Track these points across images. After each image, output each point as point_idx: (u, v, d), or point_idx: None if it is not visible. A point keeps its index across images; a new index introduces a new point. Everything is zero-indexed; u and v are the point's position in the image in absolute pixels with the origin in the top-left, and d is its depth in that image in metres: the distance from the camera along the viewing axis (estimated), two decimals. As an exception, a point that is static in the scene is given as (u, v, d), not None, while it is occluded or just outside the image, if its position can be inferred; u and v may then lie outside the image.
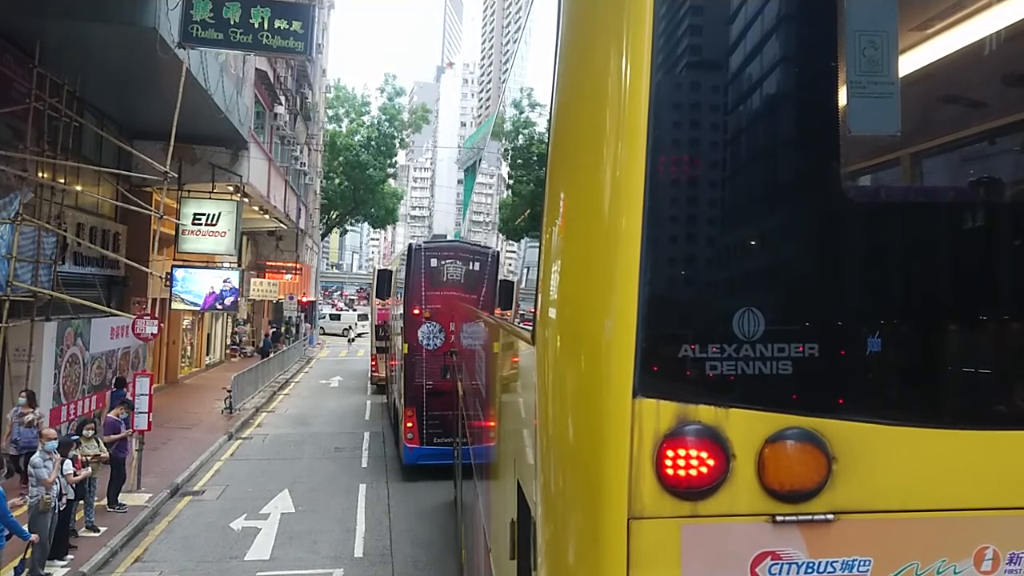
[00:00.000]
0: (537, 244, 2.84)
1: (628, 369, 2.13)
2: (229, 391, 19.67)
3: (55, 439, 9.03)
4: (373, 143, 48.42)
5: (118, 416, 11.46)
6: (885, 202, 2.44)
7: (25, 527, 8.42)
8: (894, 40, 2.27)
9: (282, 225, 30.30)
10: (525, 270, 3.95)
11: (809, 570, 2.16)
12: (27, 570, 8.35)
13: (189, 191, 19.39)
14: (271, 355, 29.22)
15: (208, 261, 20.88)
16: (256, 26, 12.49)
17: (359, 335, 45.28)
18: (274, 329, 35.76)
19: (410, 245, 14.74)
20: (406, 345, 13.57)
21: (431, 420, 13.14)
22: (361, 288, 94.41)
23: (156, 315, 14.53)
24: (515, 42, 19.09)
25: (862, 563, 2.17)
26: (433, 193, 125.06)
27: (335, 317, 55.75)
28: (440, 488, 12.33)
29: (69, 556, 9.19)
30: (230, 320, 31.68)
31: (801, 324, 2.23)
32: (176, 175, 16.43)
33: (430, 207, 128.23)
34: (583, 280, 2.32)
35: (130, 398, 12.35)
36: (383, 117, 49.43)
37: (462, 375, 8.69)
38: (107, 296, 17.43)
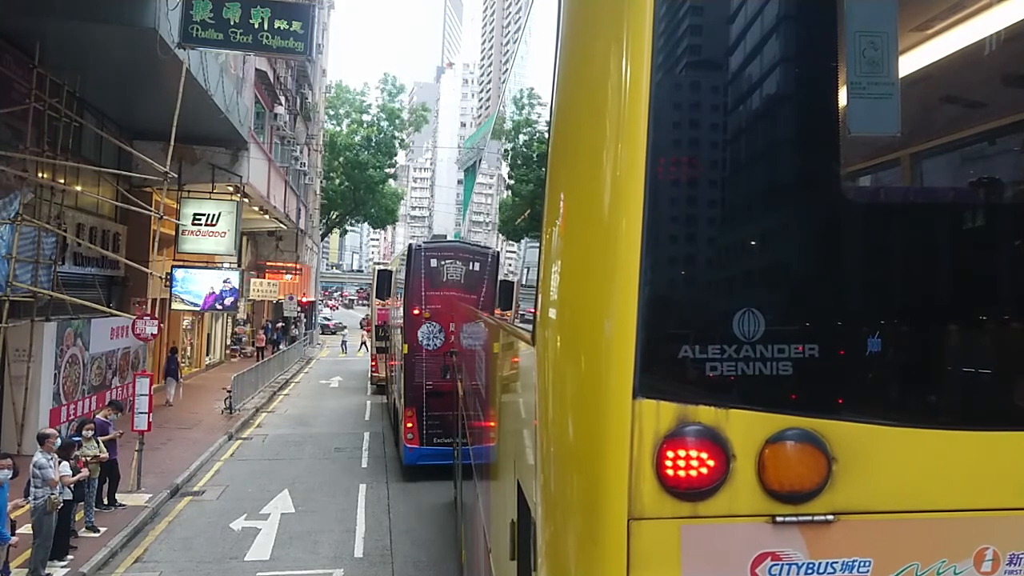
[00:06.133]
0: (537, 244, 2.84)
1: (628, 370, 2.13)
2: (229, 391, 19.67)
3: (57, 439, 9.04)
4: (373, 143, 48.45)
5: (106, 418, 11.45)
6: (885, 203, 2.44)
7: (26, 527, 8.44)
8: (894, 41, 2.27)
9: (282, 225, 30.31)
10: (525, 270, 3.95)
11: (809, 571, 2.16)
12: (28, 570, 8.35)
13: (189, 191, 19.40)
14: (281, 347, 29.41)
15: (208, 261, 20.88)
16: (256, 26, 12.50)
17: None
18: (282, 324, 35.99)
19: (410, 245, 14.74)
20: (406, 345, 13.57)
21: (431, 420, 13.14)
22: (361, 288, 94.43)
23: (156, 315, 14.53)
24: (515, 42, 19.10)
25: (862, 564, 2.17)
26: (433, 193, 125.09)
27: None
28: (440, 488, 12.33)
29: (69, 556, 9.18)
30: (230, 320, 31.66)
31: (801, 325, 2.23)
32: (176, 175, 16.45)
33: (430, 207, 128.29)
34: (583, 281, 2.32)
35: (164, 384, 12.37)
36: (383, 116, 49.44)
37: (462, 375, 8.69)
38: (107, 296, 17.44)
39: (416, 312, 13.36)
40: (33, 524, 8.43)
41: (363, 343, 37.77)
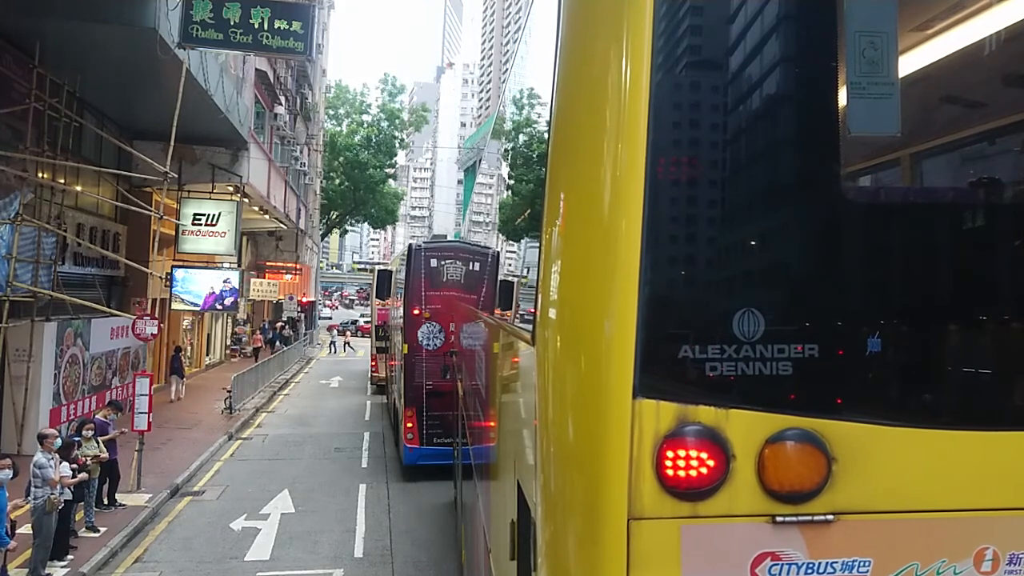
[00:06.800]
0: (537, 244, 2.84)
1: (628, 370, 2.13)
2: (229, 391, 19.68)
3: (57, 438, 9.04)
4: (373, 143, 48.47)
5: (106, 418, 11.46)
6: (884, 203, 2.44)
7: (26, 527, 8.44)
8: (894, 40, 2.27)
9: (282, 225, 30.30)
10: (525, 270, 3.95)
11: (809, 571, 2.16)
12: (28, 570, 8.36)
13: (189, 191, 19.40)
14: (278, 346, 29.89)
15: (208, 261, 20.88)
16: (256, 26, 12.50)
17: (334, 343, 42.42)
18: (283, 323, 36.13)
19: (410, 245, 14.74)
20: (406, 345, 13.57)
21: (431, 420, 13.15)
22: (361, 288, 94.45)
23: (156, 315, 14.53)
24: (515, 42, 19.11)
25: (862, 564, 2.17)
26: (433, 193, 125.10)
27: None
28: (440, 488, 12.33)
29: (69, 556, 9.18)
30: (230, 320, 31.66)
31: (801, 325, 2.23)
32: (176, 175, 16.45)
33: (430, 207, 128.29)
34: (583, 280, 2.32)
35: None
36: (383, 116, 49.46)
37: (462, 375, 8.69)
38: (107, 296, 17.44)
39: (416, 312, 13.36)
40: (33, 524, 8.44)
41: (346, 343, 42.20)
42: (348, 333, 45.70)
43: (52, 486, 8.40)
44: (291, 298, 36.09)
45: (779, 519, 2.14)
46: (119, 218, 18.14)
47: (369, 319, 59.38)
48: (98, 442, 10.36)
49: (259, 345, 31.29)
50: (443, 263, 13.43)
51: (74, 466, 9.25)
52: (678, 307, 2.25)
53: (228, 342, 32.08)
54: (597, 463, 2.17)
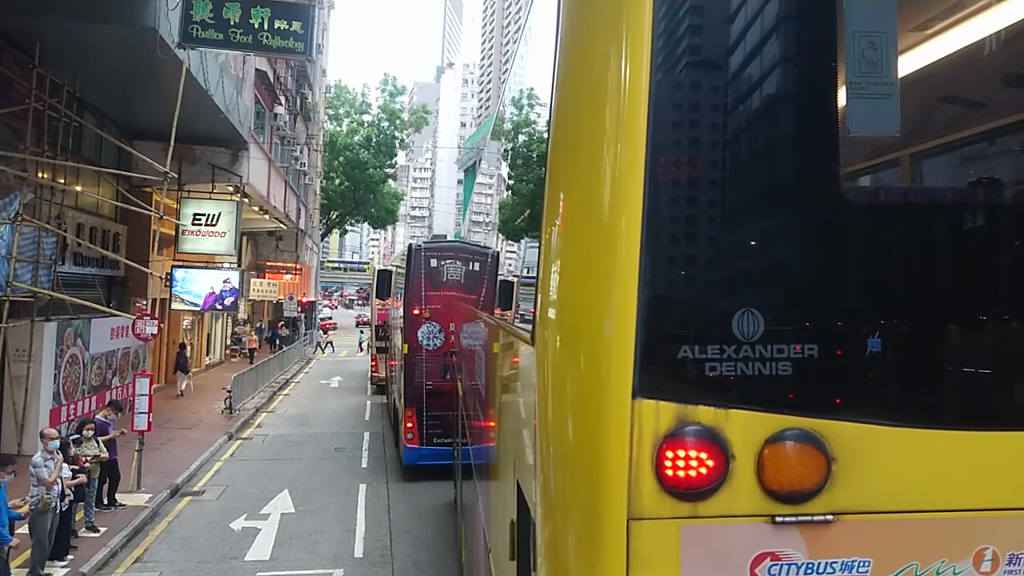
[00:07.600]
0: (537, 244, 2.84)
1: (627, 370, 2.12)
2: (229, 391, 19.68)
3: (57, 438, 9.04)
4: (373, 143, 48.50)
5: (106, 418, 11.46)
6: (884, 203, 2.44)
7: (25, 527, 8.44)
8: (893, 40, 2.27)
9: (282, 225, 30.31)
10: (525, 270, 3.95)
11: (808, 571, 2.16)
12: (27, 570, 8.36)
13: (189, 191, 19.40)
14: (278, 345, 30.14)
15: (208, 261, 20.89)
16: (256, 26, 12.50)
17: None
18: (282, 323, 36.23)
19: (410, 245, 14.76)
20: (406, 345, 13.58)
21: (431, 420, 13.16)
22: (361, 288, 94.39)
23: (156, 315, 14.53)
24: (515, 42, 19.11)
25: (861, 564, 2.17)
26: (433, 193, 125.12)
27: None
28: (440, 488, 12.33)
29: (69, 556, 9.18)
30: (230, 320, 31.65)
31: (800, 325, 2.23)
32: (176, 175, 16.45)
33: (430, 207, 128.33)
34: (582, 280, 2.32)
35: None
36: (383, 116, 49.49)
37: (462, 375, 8.69)
38: (107, 296, 17.44)
39: (416, 312, 13.37)
40: (30, 524, 8.44)
41: (329, 343, 42.92)
42: (331, 333, 46.01)
43: (48, 486, 8.39)
44: (291, 298, 36.11)
45: (779, 519, 2.14)
46: (119, 218, 18.15)
47: (330, 316, 60.56)
48: (98, 442, 10.37)
49: (255, 345, 31.26)
50: (443, 263, 13.44)
51: (74, 467, 9.25)
52: (678, 307, 2.25)
53: (228, 342, 32.07)
54: (597, 463, 2.17)
